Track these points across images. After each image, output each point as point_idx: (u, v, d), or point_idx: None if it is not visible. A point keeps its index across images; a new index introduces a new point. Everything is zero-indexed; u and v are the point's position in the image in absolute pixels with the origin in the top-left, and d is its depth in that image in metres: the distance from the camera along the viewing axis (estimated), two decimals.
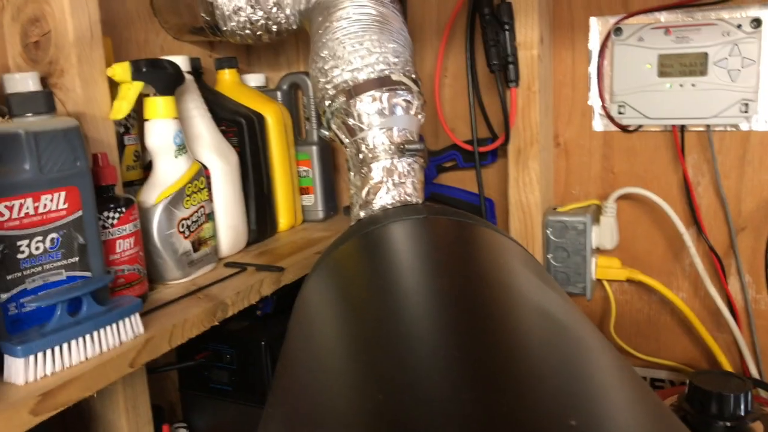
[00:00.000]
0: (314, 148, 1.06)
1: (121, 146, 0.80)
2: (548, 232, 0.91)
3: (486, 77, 0.97)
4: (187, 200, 0.79)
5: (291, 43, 1.14)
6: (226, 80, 0.99)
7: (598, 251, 0.95)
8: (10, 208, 0.56)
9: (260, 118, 0.96)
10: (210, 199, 0.84)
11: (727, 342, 0.93)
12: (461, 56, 0.98)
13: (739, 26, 0.81)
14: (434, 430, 0.27)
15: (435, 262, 0.51)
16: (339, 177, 1.15)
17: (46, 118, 0.62)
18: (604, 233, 0.92)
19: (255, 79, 1.06)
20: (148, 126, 0.77)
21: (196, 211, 0.80)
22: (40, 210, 0.59)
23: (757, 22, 0.80)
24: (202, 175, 0.82)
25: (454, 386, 0.31)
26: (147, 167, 0.82)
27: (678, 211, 0.91)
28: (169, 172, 0.77)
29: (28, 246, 0.58)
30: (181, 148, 0.78)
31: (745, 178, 0.89)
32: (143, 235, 0.74)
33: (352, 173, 0.77)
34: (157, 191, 0.76)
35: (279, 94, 1.04)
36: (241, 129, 0.92)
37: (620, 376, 0.35)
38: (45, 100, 0.61)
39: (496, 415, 0.27)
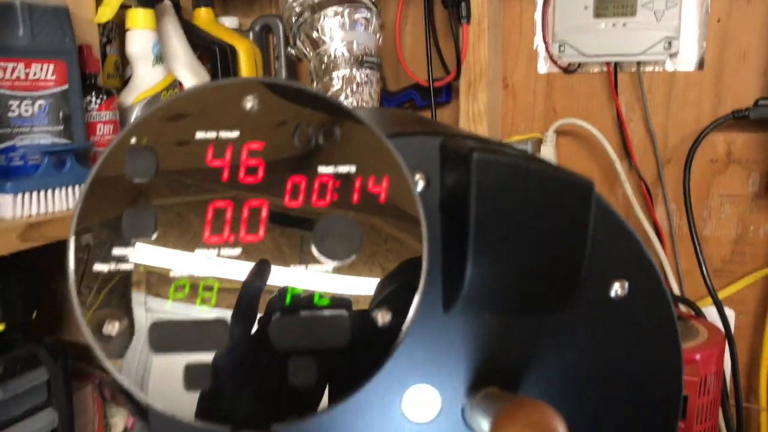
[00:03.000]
0: None
1: (103, 56, 0.87)
2: None
3: (442, 23, 1.06)
4: None
5: None
6: (202, 17, 1.06)
7: None
8: (4, 69, 0.63)
9: (232, 50, 1.03)
10: None
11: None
12: (420, 4, 1.06)
13: None
14: None
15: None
16: None
17: None
18: None
19: (229, 21, 1.13)
20: (129, 35, 0.84)
21: None
22: (31, 76, 0.65)
23: None
24: (176, 87, 0.89)
25: None
26: (125, 82, 0.89)
27: (613, 145, 1.00)
28: (146, 78, 0.84)
29: (19, 107, 0.65)
30: (158, 58, 0.85)
31: (671, 114, 0.98)
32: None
33: (315, 83, 0.85)
34: (135, 93, 0.83)
35: (251, 34, 1.12)
36: (214, 56, 1.00)
37: None
38: None
39: None
